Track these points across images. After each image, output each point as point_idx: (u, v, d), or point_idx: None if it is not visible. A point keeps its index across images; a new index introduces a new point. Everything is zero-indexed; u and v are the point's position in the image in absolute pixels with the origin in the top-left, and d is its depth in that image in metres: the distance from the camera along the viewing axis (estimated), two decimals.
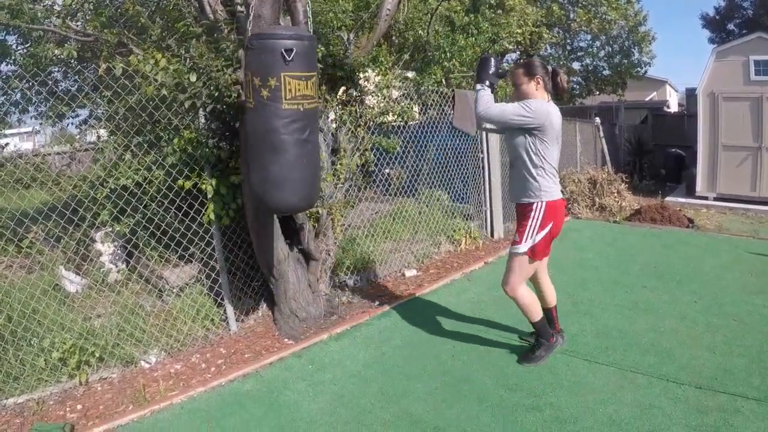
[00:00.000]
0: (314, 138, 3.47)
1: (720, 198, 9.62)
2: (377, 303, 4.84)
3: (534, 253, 3.35)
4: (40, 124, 5.65)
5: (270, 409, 3.22)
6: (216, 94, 3.94)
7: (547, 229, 3.31)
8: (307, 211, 4.37)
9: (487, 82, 3.36)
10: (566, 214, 3.38)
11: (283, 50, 3.07)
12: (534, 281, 3.67)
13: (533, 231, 3.32)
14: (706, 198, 9.76)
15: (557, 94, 3.43)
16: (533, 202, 3.32)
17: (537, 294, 3.65)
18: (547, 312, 3.68)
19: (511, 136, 3.39)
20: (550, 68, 3.40)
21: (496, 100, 3.39)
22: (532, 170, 3.29)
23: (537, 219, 3.31)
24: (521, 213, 3.43)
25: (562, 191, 3.48)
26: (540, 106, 3.22)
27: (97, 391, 3.54)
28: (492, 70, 3.38)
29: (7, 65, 5.87)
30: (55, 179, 4.17)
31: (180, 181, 3.95)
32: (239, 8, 3.96)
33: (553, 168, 3.34)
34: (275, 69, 3.11)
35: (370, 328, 4.33)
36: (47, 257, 4.38)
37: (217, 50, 4.07)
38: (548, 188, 3.30)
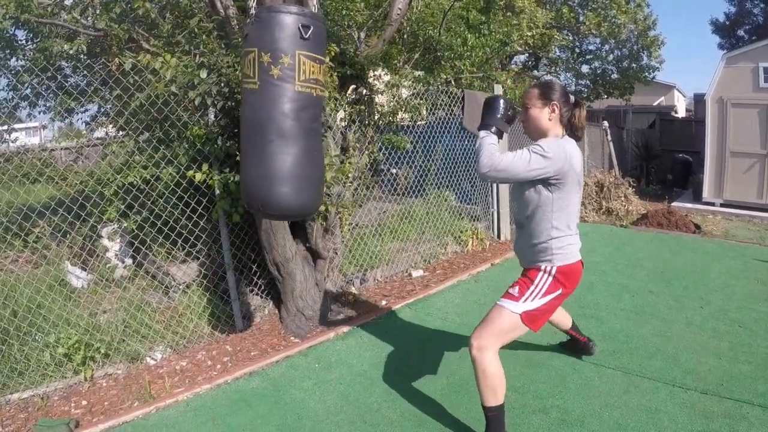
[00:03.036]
0: (320, 129, 3.16)
1: (727, 204, 9.59)
2: (384, 303, 4.84)
3: (530, 319, 2.65)
4: (51, 119, 5.66)
5: (276, 407, 3.21)
6: (226, 91, 3.93)
7: (553, 296, 2.66)
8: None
9: (494, 128, 2.62)
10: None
11: (300, 25, 2.76)
12: None
13: (536, 293, 2.66)
14: (712, 204, 9.72)
15: (572, 131, 2.74)
16: (541, 266, 2.68)
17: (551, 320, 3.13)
18: (567, 333, 3.56)
19: (520, 188, 2.70)
20: (572, 98, 2.73)
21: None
22: (549, 230, 2.63)
23: (543, 283, 2.66)
24: (526, 273, 2.77)
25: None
26: (556, 146, 2.51)
27: (102, 387, 3.54)
28: (500, 113, 2.66)
29: (17, 60, 5.89)
30: (62, 174, 4.17)
31: (191, 173, 3.92)
32: (250, 3, 3.96)
33: (574, 222, 2.69)
34: (290, 46, 2.77)
35: (376, 327, 4.32)
36: (53, 252, 4.39)
37: (227, 46, 4.06)
38: (563, 249, 2.65)
